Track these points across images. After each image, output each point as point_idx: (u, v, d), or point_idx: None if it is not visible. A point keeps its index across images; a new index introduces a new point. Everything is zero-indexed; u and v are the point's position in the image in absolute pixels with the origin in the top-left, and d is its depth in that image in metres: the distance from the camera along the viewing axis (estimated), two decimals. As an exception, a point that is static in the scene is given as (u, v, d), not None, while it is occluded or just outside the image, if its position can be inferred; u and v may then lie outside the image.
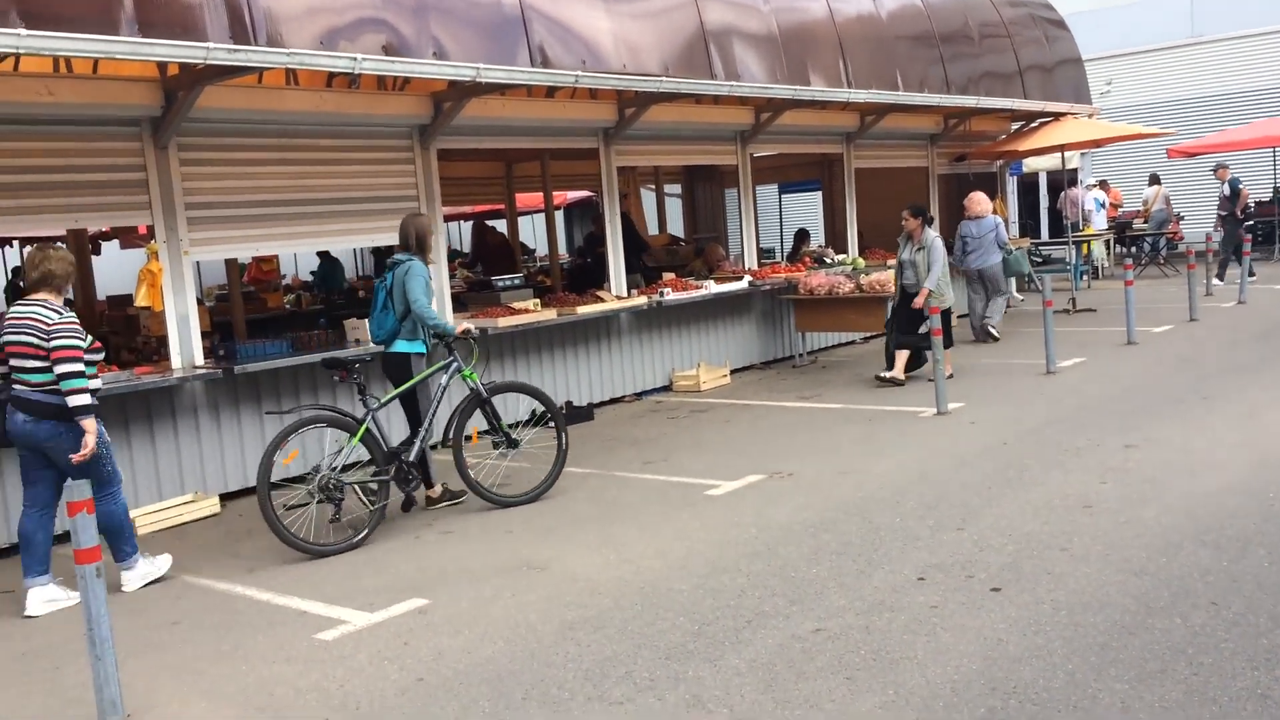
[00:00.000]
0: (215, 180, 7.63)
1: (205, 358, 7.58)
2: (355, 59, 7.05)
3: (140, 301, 7.51)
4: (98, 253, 14.09)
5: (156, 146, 7.28)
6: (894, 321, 10.21)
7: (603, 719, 3.79)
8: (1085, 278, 17.77)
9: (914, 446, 7.52)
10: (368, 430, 6.32)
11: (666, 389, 10.87)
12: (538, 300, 10.05)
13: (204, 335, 7.81)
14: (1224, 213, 16.97)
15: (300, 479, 6.36)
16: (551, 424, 7.07)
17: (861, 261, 13.03)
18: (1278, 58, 22.16)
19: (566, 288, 12.13)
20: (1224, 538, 5.09)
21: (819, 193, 17.60)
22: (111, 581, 5.75)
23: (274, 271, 15.97)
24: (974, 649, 4.08)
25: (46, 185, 6.88)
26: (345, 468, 6.37)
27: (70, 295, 6.44)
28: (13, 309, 5.56)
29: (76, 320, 5.48)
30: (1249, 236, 15.84)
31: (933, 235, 10.02)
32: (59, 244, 6.80)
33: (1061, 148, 15.17)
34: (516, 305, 9.73)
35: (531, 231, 21.85)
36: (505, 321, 9.09)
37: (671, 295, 10.62)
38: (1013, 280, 13.60)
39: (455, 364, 6.80)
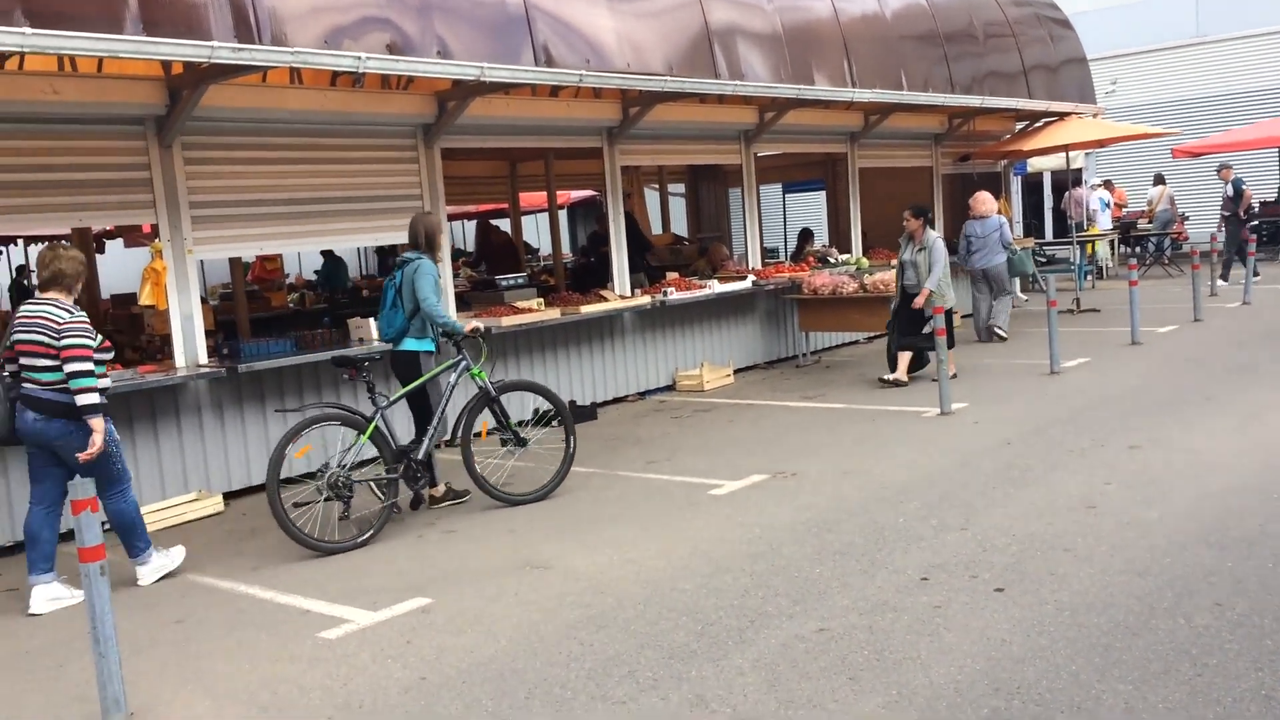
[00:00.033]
0: (219, 179, 7.64)
1: (209, 356, 7.59)
2: (359, 58, 7.05)
3: (144, 300, 7.55)
4: (102, 251, 14.11)
5: (161, 145, 7.29)
6: (895, 323, 10.19)
7: (606, 718, 3.79)
8: (1089, 278, 17.74)
9: (917, 446, 7.51)
10: (377, 428, 6.34)
11: (670, 389, 10.86)
12: (541, 299, 10.06)
13: (208, 334, 7.83)
14: (1227, 213, 16.95)
15: (309, 476, 6.37)
16: (554, 424, 7.08)
17: (865, 261, 13.02)
18: (1283, 58, 22.12)
19: (570, 287, 12.14)
20: (1228, 538, 5.08)
21: (823, 192, 17.60)
22: (127, 576, 5.80)
23: (278, 270, 15.98)
24: (977, 649, 4.07)
25: (51, 184, 6.88)
26: (353, 466, 6.37)
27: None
28: (23, 307, 5.59)
29: (87, 320, 5.51)
30: (1254, 237, 15.80)
31: (934, 236, 10.01)
32: (66, 242, 6.82)
33: (1066, 147, 15.14)
34: (520, 304, 9.74)
35: (535, 231, 21.85)
36: (509, 321, 9.10)
37: (675, 295, 10.62)
38: (1017, 280, 13.58)
39: (464, 362, 6.81)
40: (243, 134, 7.76)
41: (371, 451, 6.50)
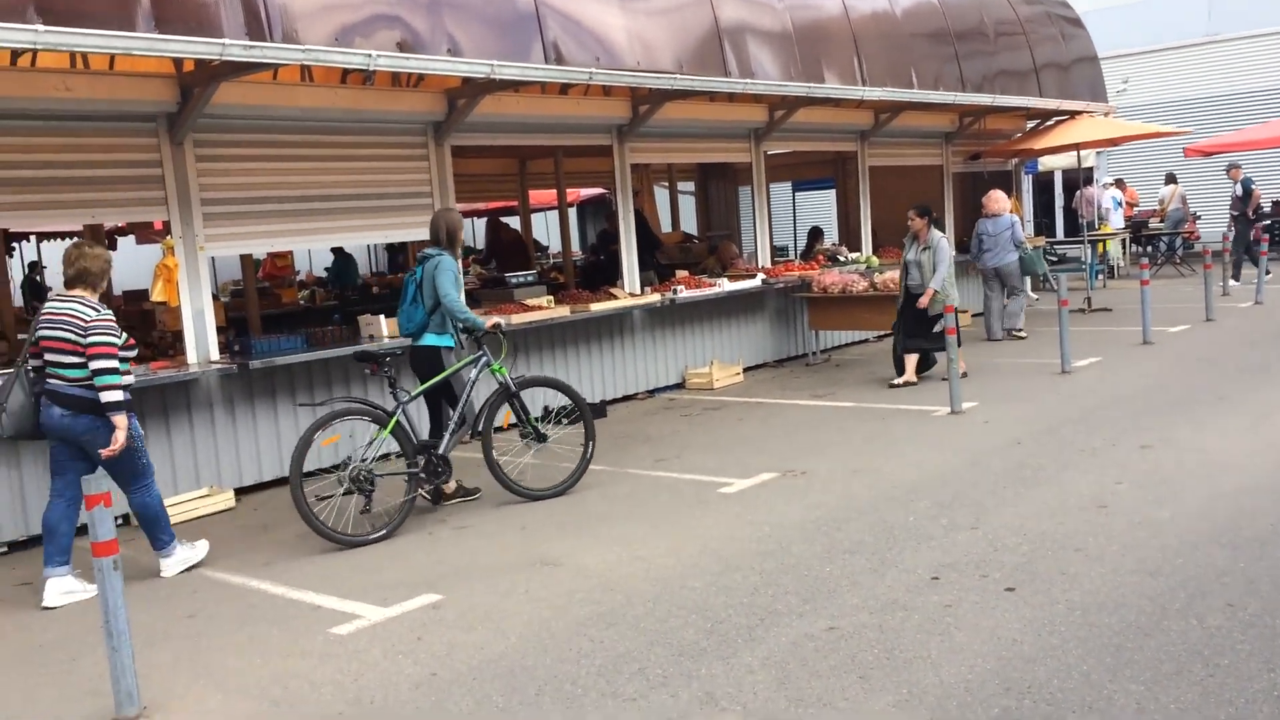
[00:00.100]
0: (230, 176, 7.66)
1: (220, 353, 7.62)
2: (370, 55, 7.07)
3: (156, 296, 7.56)
4: (114, 248, 14.15)
5: (172, 142, 7.31)
6: (900, 324, 10.14)
7: (616, 715, 3.79)
8: (1100, 277, 17.69)
9: (928, 445, 7.50)
10: (398, 423, 6.37)
11: (679, 386, 10.86)
12: (551, 297, 10.07)
13: (219, 330, 7.85)
14: (1236, 213, 16.89)
15: (328, 471, 6.40)
16: (564, 420, 7.10)
17: (875, 260, 13.00)
18: (1296, 56, 22.02)
19: (580, 285, 12.13)
20: (1240, 538, 5.06)
21: (833, 191, 17.56)
22: (139, 571, 5.84)
23: (288, 267, 16.02)
24: (988, 649, 4.07)
25: (63, 181, 6.91)
26: (375, 460, 6.40)
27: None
28: (49, 304, 5.64)
29: (113, 318, 5.57)
30: (1266, 236, 15.74)
31: (938, 235, 9.97)
32: (76, 238, 6.85)
33: (1077, 146, 15.10)
34: (530, 302, 9.75)
35: (545, 228, 21.87)
36: (519, 318, 9.11)
37: (685, 293, 10.62)
38: (1028, 280, 13.55)
39: (484, 358, 6.84)
40: (254, 131, 7.79)
41: (396, 446, 6.52)
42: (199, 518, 7.06)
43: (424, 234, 8.86)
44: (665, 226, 17.78)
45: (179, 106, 7.26)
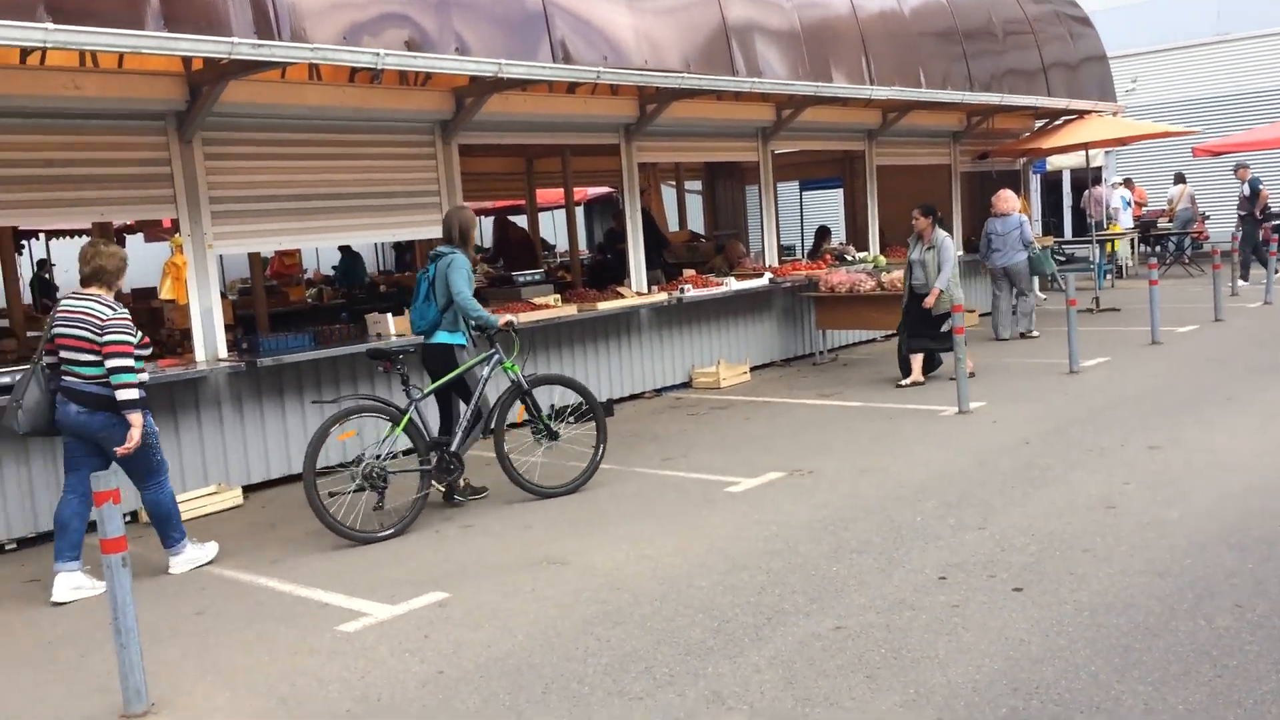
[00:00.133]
0: (239, 174, 7.68)
1: (228, 351, 7.64)
2: (378, 54, 7.07)
3: (165, 294, 7.58)
4: (122, 246, 14.18)
5: (181, 141, 7.33)
6: (904, 323, 10.11)
7: (623, 714, 3.79)
8: (1109, 277, 17.64)
9: (935, 445, 7.48)
10: (411, 420, 6.38)
11: (686, 385, 10.86)
12: (558, 296, 10.07)
13: (227, 329, 7.87)
14: (1243, 213, 16.84)
15: (337, 468, 6.42)
16: (571, 419, 7.11)
17: (883, 259, 12.97)
18: (1306, 56, 21.94)
19: (587, 284, 12.13)
20: (1249, 539, 5.05)
21: (840, 190, 17.55)
22: (148, 568, 5.86)
23: (296, 266, 16.04)
24: (996, 649, 4.06)
25: (72, 179, 6.94)
26: (388, 457, 6.43)
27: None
28: (64, 301, 5.68)
29: (128, 316, 5.62)
30: (1276, 236, 15.69)
31: (943, 235, 9.95)
32: (85, 236, 6.88)
33: (1086, 146, 15.05)
34: (537, 301, 9.75)
35: (552, 227, 21.88)
36: (526, 317, 9.11)
37: (692, 292, 10.61)
38: (1036, 280, 13.52)
39: (497, 356, 6.86)
40: (262, 130, 7.80)
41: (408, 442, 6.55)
42: (207, 515, 7.07)
43: (431, 232, 8.92)
44: (672, 225, 17.77)
45: (188, 105, 7.27)
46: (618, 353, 10.29)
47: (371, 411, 6.45)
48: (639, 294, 10.36)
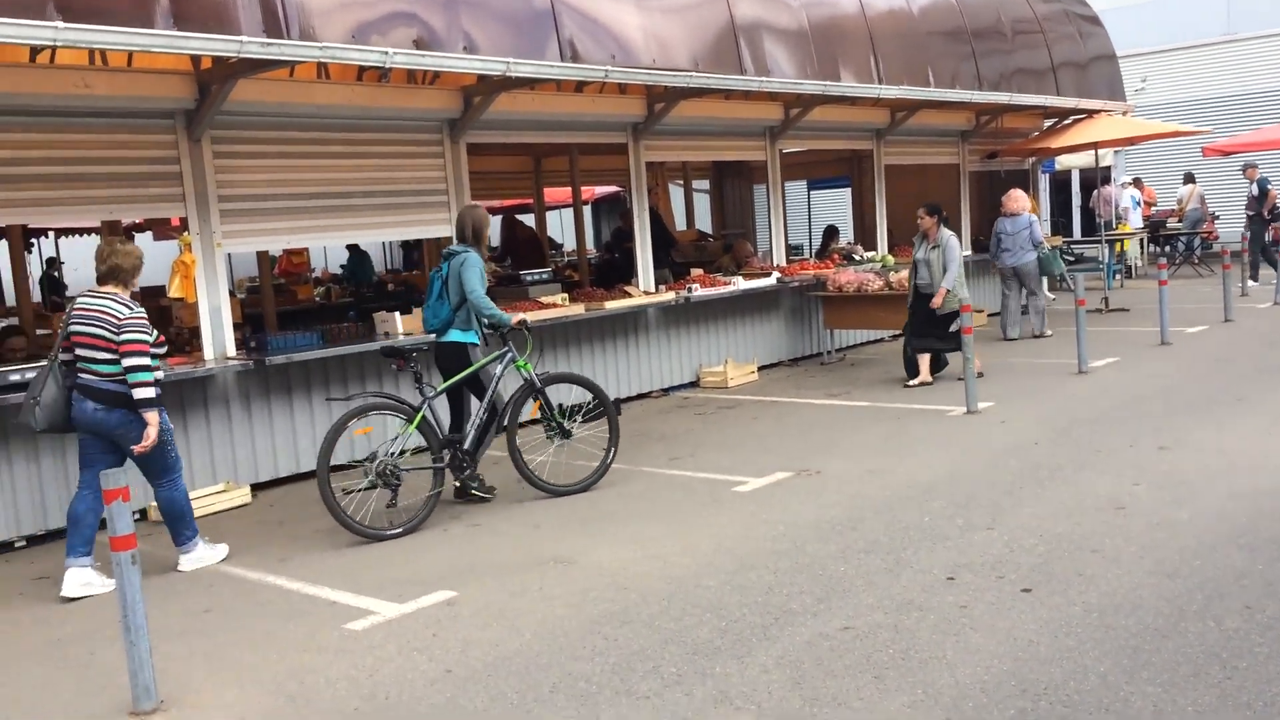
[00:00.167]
0: (248, 173, 7.69)
1: (237, 349, 7.65)
2: (387, 53, 7.08)
3: (173, 293, 7.60)
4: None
5: (190, 139, 7.34)
6: (910, 324, 10.09)
7: (630, 713, 3.79)
8: (1118, 277, 17.59)
9: (943, 445, 7.47)
10: (424, 417, 6.41)
11: (694, 385, 10.86)
12: (566, 295, 10.07)
13: (235, 327, 7.88)
14: (1251, 213, 16.77)
15: (352, 465, 6.45)
16: (581, 418, 7.11)
17: (891, 259, 12.95)
18: (1316, 55, 21.84)
19: (594, 283, 12.14)
20: (1259, 540, 5.03)
21: (848, 189, 17.52)
22: (156, 566, 5.88)
23: (304, 264, 16.08)
24: (1004, 650, 4.05)
25: (82, 177, 6.95)
26: (401, 454, 6.45)
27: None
28: (80, 299, 5.71)
29: (145, 315, 5.65)
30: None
31: (948, 234, 9.92)
32: (94, 234, 6.89)
33: (1095, 145, 15.01)
34: (545, 300, 9.75)
35: (559, 226, 21.88)
36: (533, 316, 9.09)
37: (699, 291, 10.61)
38: (1044, 280, 13.49)
39: (510, 354, 6.88)
40: (271, 128, 7.81)
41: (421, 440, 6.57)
42: (215, 513, 7.09)
43: (439, 231, 8.94)
44: (680, 225, 17.77)
45: (197, 103, 7.29)
46: (625, 352, 10.28)
47: (385, 409, 6.48)
48: (646, 293, 10.36)
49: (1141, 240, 19.68)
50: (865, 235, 14.73)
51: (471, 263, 6.74)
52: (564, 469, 7.08)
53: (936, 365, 10.09)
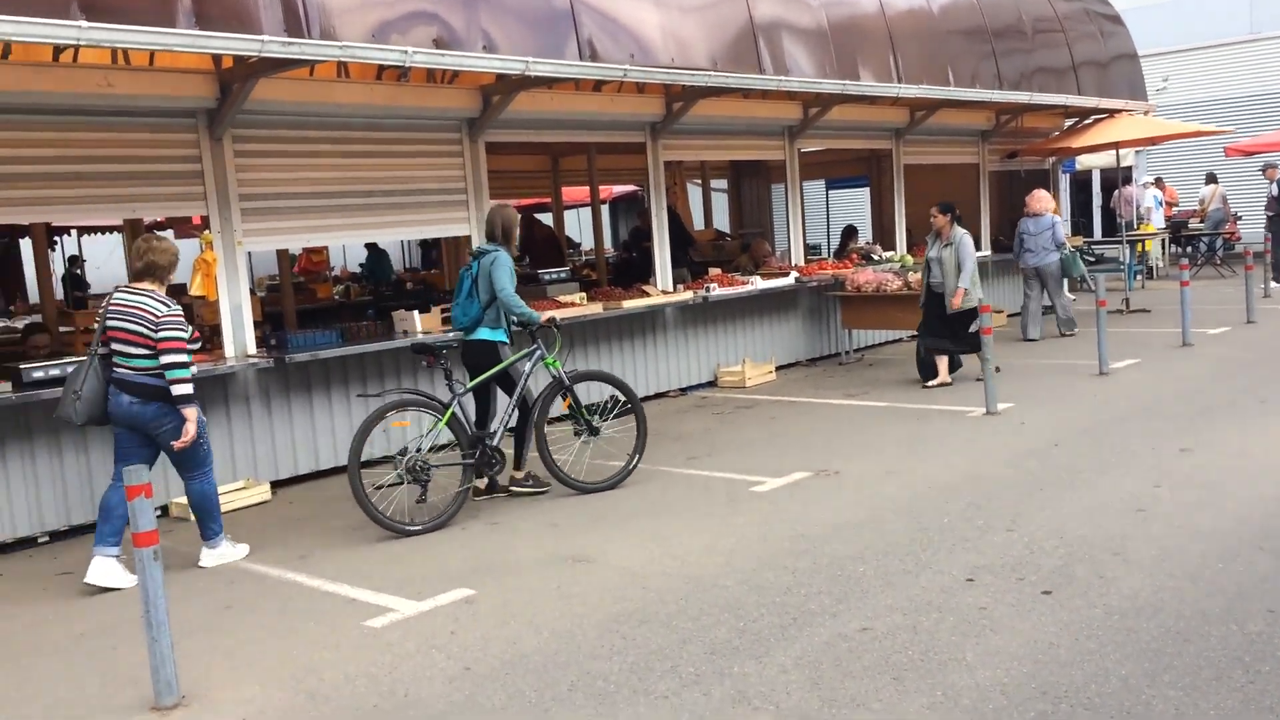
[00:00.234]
0: (268, 172, 7.73)
1: (257, 347, 7.69)
2: (406, 52, 7.10)
3: (194, 291, 7.63)
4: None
5: (211, 138, 7.39)
6: (924, 324, 10.04)
7: (648, 712, 3.79)
8: (1139, 278, 17.47)
9: (962, 446, 7.44)
10: (454, 414, 6.45)
11: (711, 384, 10.84)
12: (584, 294, 10.07)
13: (255, 325, 7.93)
14: (1271, 213, 16.62)
15: (378, 462, 6.50)
16: (600, 417, 7.13)
17: (910, 259, 12.91)
18: (1340, 55, 21.63)
19: (612, 282, 12.14)
20: (1283, 544, 4.99)
21: (866, 189, 17.46)
22: (177, 562, 5.92)
23: (323, 263, 16.15)
24: (1024, 652, 4.03)
25: (104, 175, 7.00)
26: (430, 450, 6.50)
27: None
28: (117, 295, 5.78)
29: (181, 312, 5.74)
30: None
31: (961, 232, 9.87)
32: (115, 232, 6.95)
33: (1116, 145, 14.90)
34: (563, 298, 9.76)
35: (577, 225, 21.90)
36: (545, 315, 9.09)
37: (717, 290, 10.59)
38: (1065, 282, 13.42)
39: (539, 351, 6.92)
40: (291, 127, 7.85)
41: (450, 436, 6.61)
42: (235, 510, 7.12)
43: (458, 230, 8.98)
44: (698, 224, 17.75)
45: (218, 103, 7.33)
46: (643, 351, 10.29)
47: (415, 405, 6.52)
48: (664, 292, 10.35)
49: (1163, 241, 19.54)
50: (884, 235, 14.68)
51: (501, 262, 6.79)
52: (584, 467, 7.08)
53: (951, 366, 10.04)
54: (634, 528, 6.06)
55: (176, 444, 5.66)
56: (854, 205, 20.52)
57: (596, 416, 7.11)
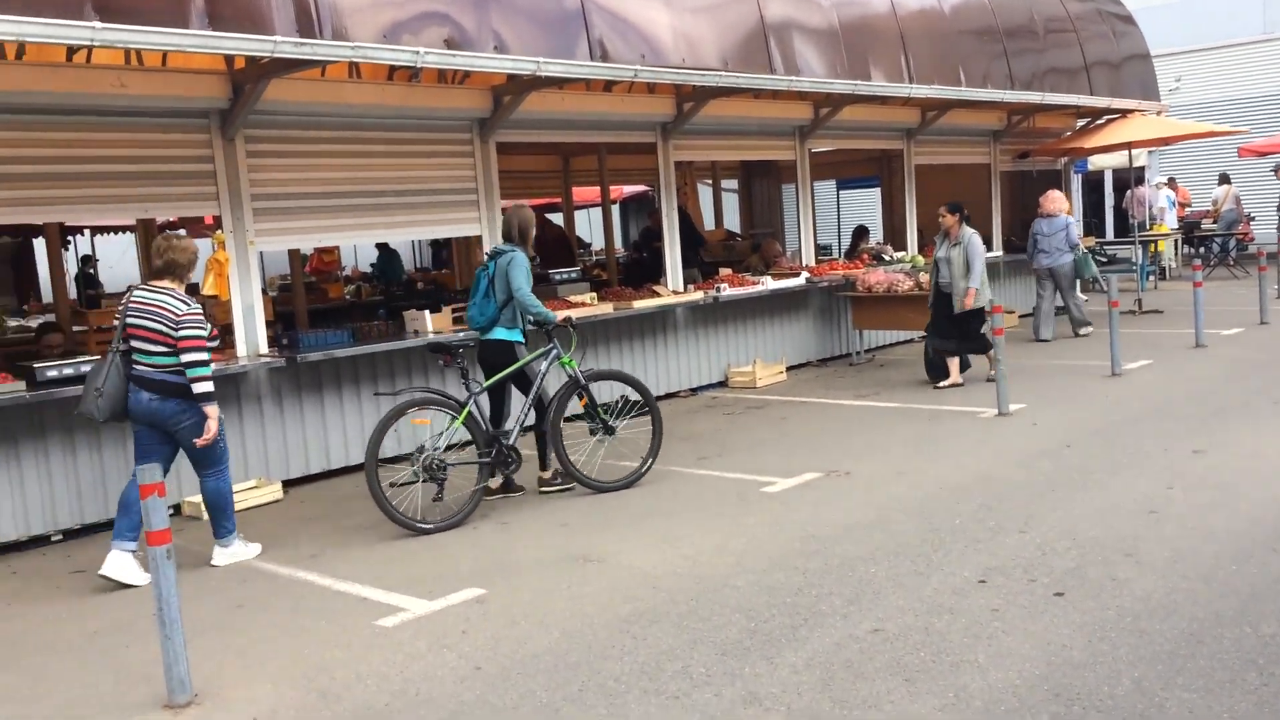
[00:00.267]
0: (280, 172, 7.75)
1: (269, 346, 7.71)
2: (418, 53, 7.11)
3: (207, 290, 7.67)
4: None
5: (224, 138, 7.41)
6: (932, 324, 10.02)
7: (659, 713, 3.79)
8: (1152, 278, 17.40)
9: (974, 447, 7.42)
10: (470, 413, 6.48)
11: (722, 385, 10.84)
12: (594, 294, 10.08)
13: (267, 324, 7.95)
14: None
15: (394, 460, 6.52)
16: (608, 415, 7.15)
17: (921, 259, 12.87)
18: (1354, 54, 21.51)
19: (622, 282, 12.14)
20: (1297, 546, 4.96)
21: (877, 189, 17.43)
22: (200, 557, 5.99)
23: (335, 263, 16.19)
24: (1037, 653, 4.01)
25: (117, 175, 7.03)
26: (447, 449, 6.52)
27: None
28: (137, 292, 5.82)
29: (201, 310, 5.78)
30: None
31: (970, 232, 9.84)
32: (128, 232, 6.99)
33: (1128, 145, 14.85)
34: (573, 299, 9.77)
35: (588, 225, 21.91)
36: (562, 315, 9.11)
37: (728, 291, 10.59)
38: (1077, 283, 13.39)
39: (555, 351, 6.95)
40: (303, 128, 7.87)
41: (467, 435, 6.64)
42: (247, 509, 7.14)
43: (469, 230, 9.01)
44: (708, 224, 17.74)
45: (230, 103, 7.35)
46: (653, 351, 10.28)
47: (433, 404, 6.55)
48: (675, 292, 10.35)
49: (1176, 241, 19.46)
50: (895, 235, 14.65)
51: (518, 262, 6.84)
52: (596, 466, 7.09)
53: (961, 366, 10.01)
54: (645, 528, 6.06)
55: (199, 441, 5.71)
56: (865, 205, 20.49)
57: (611, 416, 7.13)
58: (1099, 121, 15.25)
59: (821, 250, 14.82)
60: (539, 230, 16.62)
